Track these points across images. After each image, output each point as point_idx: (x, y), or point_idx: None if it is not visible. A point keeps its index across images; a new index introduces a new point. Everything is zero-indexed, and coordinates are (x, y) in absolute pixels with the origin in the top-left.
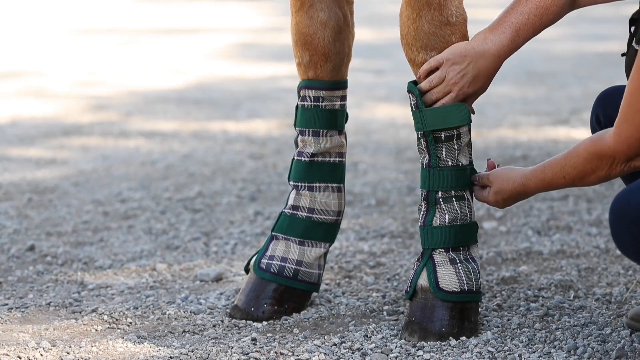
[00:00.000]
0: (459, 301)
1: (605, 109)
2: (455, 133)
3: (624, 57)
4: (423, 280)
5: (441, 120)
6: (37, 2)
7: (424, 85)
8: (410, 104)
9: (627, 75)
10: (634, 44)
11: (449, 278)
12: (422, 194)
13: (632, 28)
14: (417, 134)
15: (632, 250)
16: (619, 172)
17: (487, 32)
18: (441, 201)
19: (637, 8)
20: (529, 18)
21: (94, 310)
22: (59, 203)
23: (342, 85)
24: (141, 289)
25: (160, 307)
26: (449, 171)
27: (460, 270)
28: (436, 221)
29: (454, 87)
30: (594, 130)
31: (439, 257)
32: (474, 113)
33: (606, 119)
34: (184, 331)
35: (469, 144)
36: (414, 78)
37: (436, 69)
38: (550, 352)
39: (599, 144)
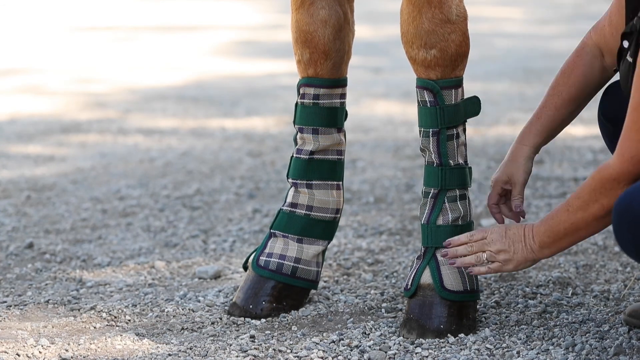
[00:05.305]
0: (459, 300)
1: (611, 104)
2: (455, 132)
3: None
4: (426, 279)
5: (462, 114)
6: (35, 0)
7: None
8: (422, 101)
9: (623, 88)
10: (628, 57)
11: (452, 277)
12: (429, 192)
13: (625, 42)
14: (427, 132)
15: (634, 248)
16: None
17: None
18: (446, 200)
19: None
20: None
21: (92, 308)
22: (58, 200)
23: (341, 83)
24: (140, 287)
25: (158, 305)
26: (459, 170)
27: (463, 270)
28: (440, 220)
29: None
30: (600, 122)
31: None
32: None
33: (611, 113)
34: (182, 328)
35: (466, 144)
36: (413, 75)
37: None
38: (548, 349)
39: (603, 169)
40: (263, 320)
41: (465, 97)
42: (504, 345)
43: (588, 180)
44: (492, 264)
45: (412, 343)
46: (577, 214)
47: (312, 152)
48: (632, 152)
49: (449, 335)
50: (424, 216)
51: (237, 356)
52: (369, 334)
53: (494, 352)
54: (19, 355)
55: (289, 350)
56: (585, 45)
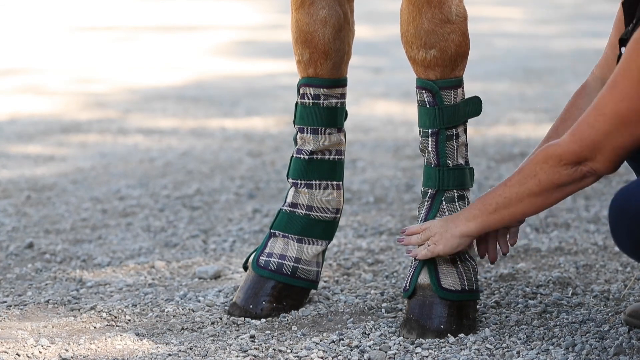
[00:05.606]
0: (458, 299)
1: None
2: (455, 132)
3: None
4: (424, 279)
5: (461, 114)
6: (35, 0)
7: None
8: (421, 101)
9: None
10: None
11: (450, 277)
12: (427, 192)
13: (623, 49)
14: (425, 132)
15: (631, 247)
16: (563, 179)
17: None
18: (443, 201)
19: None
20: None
21: (92, 308)
22: (58, 200)
23: (341, 83)
24: (140, 287)
25: (158, 305)
26: (457, 170)
27: (461, 269)
28: None
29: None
30: None
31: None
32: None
33: None
34: (182, 328)
35: (467, 144)
36: (413, 75)
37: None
38: (548, 349)
39: (551, 145)
40: (263, 320)
41: (465, 97)
42: (504, 345)
43: (532, 155)
44: (430, 246)
45: (412, 343)
46: (513, 188)
47: (312, 152)
48: (584, 135)
49: (449, 335)
50: (421, 216)
51: (237, 356)
52: (369, 334)
53: (494, 352)
54: (19, 355)
55: (289, 350)
56: (587, 83)
